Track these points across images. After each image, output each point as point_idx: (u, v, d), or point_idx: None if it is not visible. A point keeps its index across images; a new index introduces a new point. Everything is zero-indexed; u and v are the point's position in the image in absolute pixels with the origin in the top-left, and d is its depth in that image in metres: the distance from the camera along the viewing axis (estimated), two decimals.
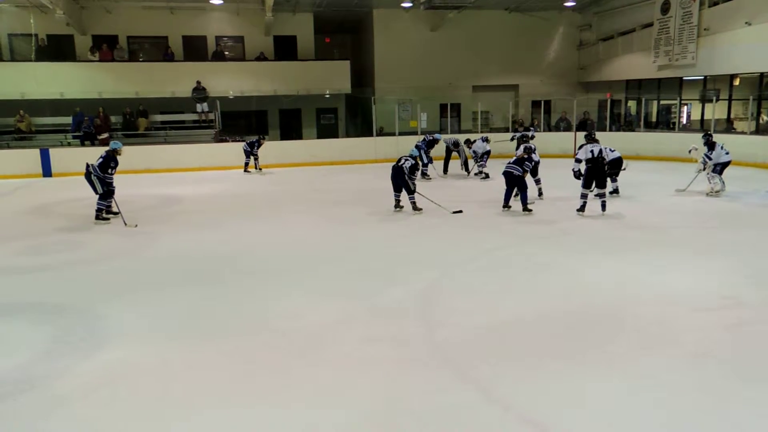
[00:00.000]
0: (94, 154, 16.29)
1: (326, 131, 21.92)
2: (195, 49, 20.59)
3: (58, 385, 4.34)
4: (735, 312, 5.52)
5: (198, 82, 18.78)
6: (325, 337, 5.15)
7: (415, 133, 18.36)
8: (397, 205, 10.27)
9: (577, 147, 11.01)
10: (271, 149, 16.73)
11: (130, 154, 16.50)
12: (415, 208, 10.11)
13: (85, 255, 8.00)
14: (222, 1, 18.98)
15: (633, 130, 19.47)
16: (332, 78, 20.46)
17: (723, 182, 11.09)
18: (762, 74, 16.72)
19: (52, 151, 15.97)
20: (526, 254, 7.75)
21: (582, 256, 7.53)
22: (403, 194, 10.17)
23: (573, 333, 5.12)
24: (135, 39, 20.48)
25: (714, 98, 17.42)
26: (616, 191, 11.22)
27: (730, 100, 18.04)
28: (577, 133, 16.73)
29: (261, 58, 20.43)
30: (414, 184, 10.07)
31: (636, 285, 6.32)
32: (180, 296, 6.27)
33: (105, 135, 17.49)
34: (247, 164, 16.04)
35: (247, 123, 20.70)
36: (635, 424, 3.74)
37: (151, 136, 18.53)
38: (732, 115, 18.05)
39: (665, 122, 20.68)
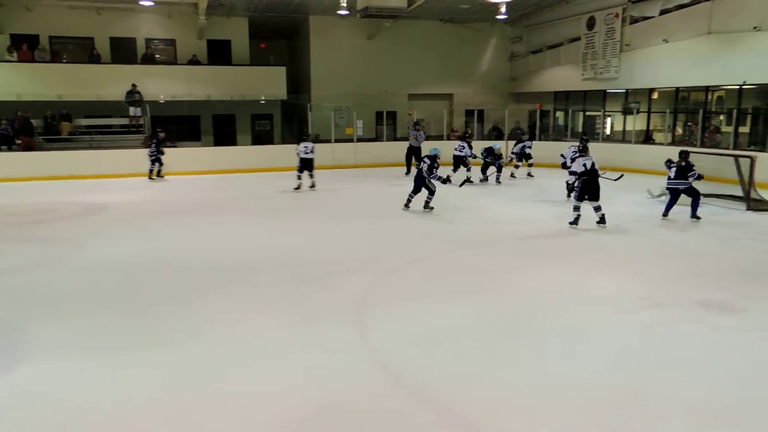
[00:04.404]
0: (10, 159, 15.66)
1: (261, 137, 21.64)
2: (123, 52, 19.90)
3: None
4: (652, 312, 5.84)
5: (133, 86, 18.13)
6: (259, 345, 5.08)
7: (351, 140, 18.43)
8: (407, 204, 10.91)
9: (570, 159, 11.58)
10: (204, 155, 16.35)
11: (52, 160, 15.87)
12: (426, 206, 10.79)
13: (4, 265, 7.55)
14: (152, 3, 18.42)
15: (560, 140, 20.21)
16: (267, 84, 20.27)
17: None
18: (677, 89, 17.82)
19: None
20: (462, 260, 7.93)
21: (516, 261, 7.77)
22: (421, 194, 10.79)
23: (505, 336, 5.27)
24: (58, 39, 19.57)
25: (635, 110, 18.42)
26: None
27: (649, 112, 19.11)
28: (509, 141, 17.25)
29: (194, 62, 19.99)
30: (434, 184, 10.68)
31: (565, 289, 6.57)
32: (107, 307, 6.01)
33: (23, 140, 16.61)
34: (151, 171, 15.42)
35: (178, 128, 20.12)
36: (568, 423, 3.88)
37: (75, 140, 17.73)
38: (651, 127, 19.10)
39: (591, 132, 21.60)
